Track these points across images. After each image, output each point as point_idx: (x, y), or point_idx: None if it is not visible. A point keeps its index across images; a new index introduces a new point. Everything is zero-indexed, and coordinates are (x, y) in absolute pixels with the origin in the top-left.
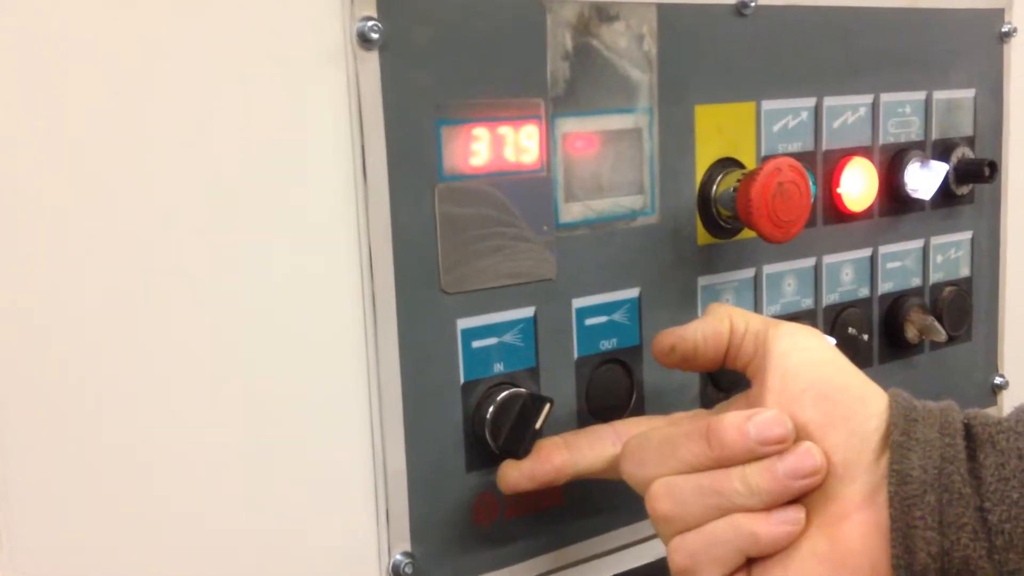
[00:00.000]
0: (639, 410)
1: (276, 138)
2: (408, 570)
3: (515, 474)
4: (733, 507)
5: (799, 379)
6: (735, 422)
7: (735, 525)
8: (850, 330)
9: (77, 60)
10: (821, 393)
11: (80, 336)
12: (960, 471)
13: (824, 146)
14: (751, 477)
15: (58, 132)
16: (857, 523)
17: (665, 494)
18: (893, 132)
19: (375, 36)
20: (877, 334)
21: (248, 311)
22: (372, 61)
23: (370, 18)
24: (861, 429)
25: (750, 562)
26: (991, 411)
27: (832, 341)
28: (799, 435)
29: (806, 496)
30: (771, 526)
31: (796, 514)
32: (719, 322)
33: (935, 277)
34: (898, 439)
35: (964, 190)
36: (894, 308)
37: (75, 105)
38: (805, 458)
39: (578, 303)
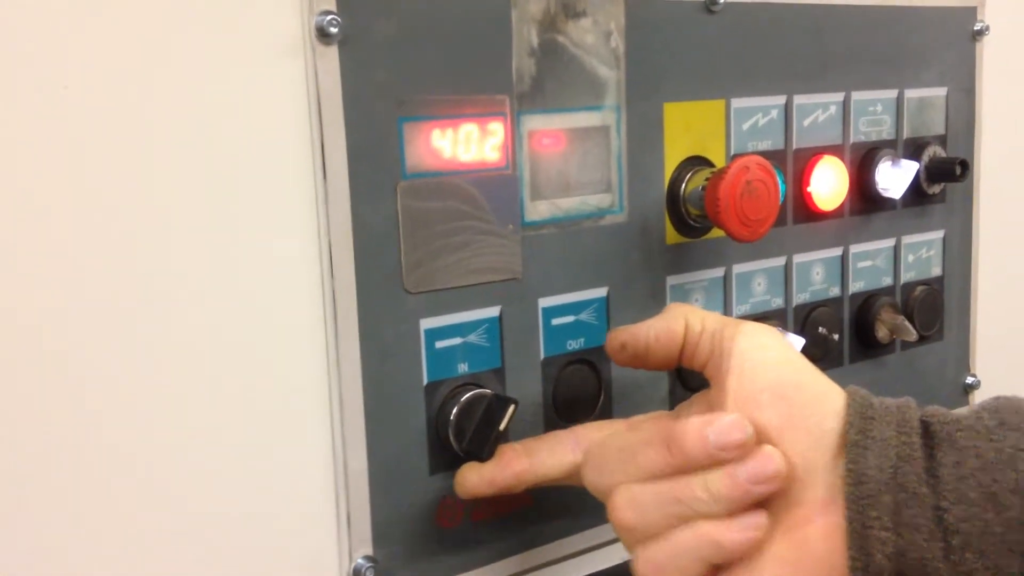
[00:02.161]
0: (607, 411)
1: (233, 135)
2: (370, 574)
3: (474, 479)
4: (695, 514)
5: (757, 379)
6: (695, 428)
7: (698, 534)
8: (820, 330)
9: (24, 54)
10: (778, 393)
11: (27, 330)
12: (916, 470)
13: (794, 144)
14: (712, 484)
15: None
16: (819, 527)
17: (627, 503)
18: (864, 131)
19: (334, 30)
20: (848, 334)
21: (206, 311)
22: (331, 56)
23: (329, 12)
24: (819, 429)
25: (717, 568)
26: (959, 411)
27: (801, 341)
28: (759, 437)
29: (769, 501)
30: (734, 533)
31: (758, 519)
32: (673, 321)
33: (906, 276)
34: (854, 438)
35: (936, 189)
36: (865, 307)
37: (21, 100)
38: (766, 463)
39: (544, 302)
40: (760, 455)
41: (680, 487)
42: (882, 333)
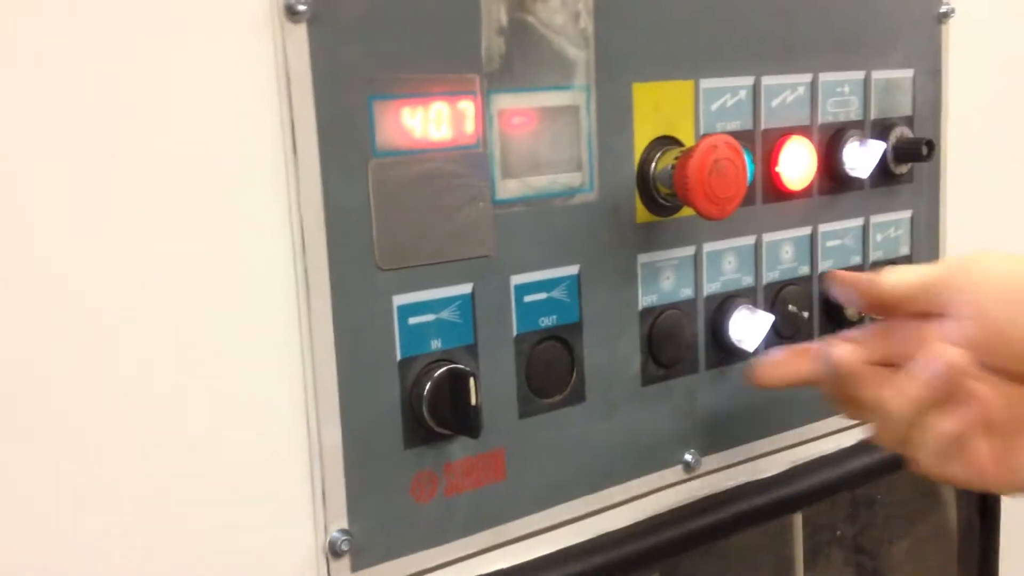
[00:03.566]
0: (579, 388)
1: (202, 114)
2: (345, 547)
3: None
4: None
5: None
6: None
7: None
8: (790, 307)
9: None
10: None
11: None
12: None
13: (763, 125)
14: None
15: None
16: None
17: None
18: (832, 111)
19: (303, 8)
20: (817, 311)
21: (177, 290)
22: (300, 34)
23: None
24: None
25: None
26: None
27: (770, 318)
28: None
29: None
30: None
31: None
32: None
33: (875, 255)
34: None
35: (903, 169)
36: None
37: None
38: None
39: (516, 280)
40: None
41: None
42: (851, 311)
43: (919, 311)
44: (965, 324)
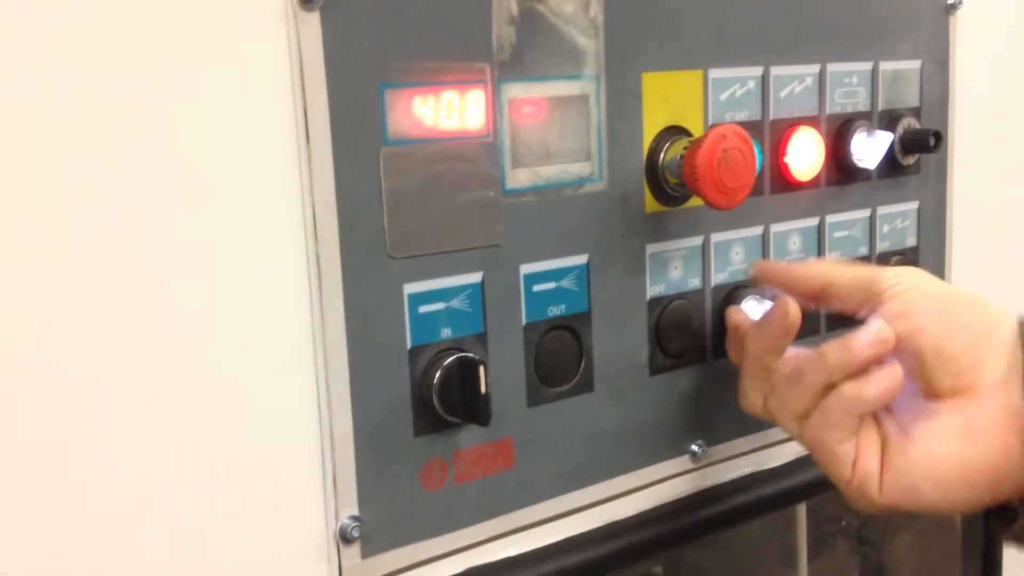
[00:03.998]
0: (588, 378)
1: (214, 102)
2: (355, 534)
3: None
4: (834, 382)
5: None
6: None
7: (841, 395)
8: None
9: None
10: (937, 306)
11: (22, 300)
12: None
13: (771, 115)
14: (829, 353)
15: None
16: (990, 406)
17: (774, 399)
18: (840, 102)
19: None
20: None
21: (189, 278)
22: (313, 22)
23: None
24: (980, 326)
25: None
26: None
27: (767, 305)
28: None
29: (937, 384)
30: (871, 385)
31: (892, 370)
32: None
33: (882, 246)
34: None
35: (910, 160)
36: None
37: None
38: (870, 330)
39: (526, 269)
40: (868, 326)
41: (808, 364)
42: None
43: (852, 304)
44: (902, 334)
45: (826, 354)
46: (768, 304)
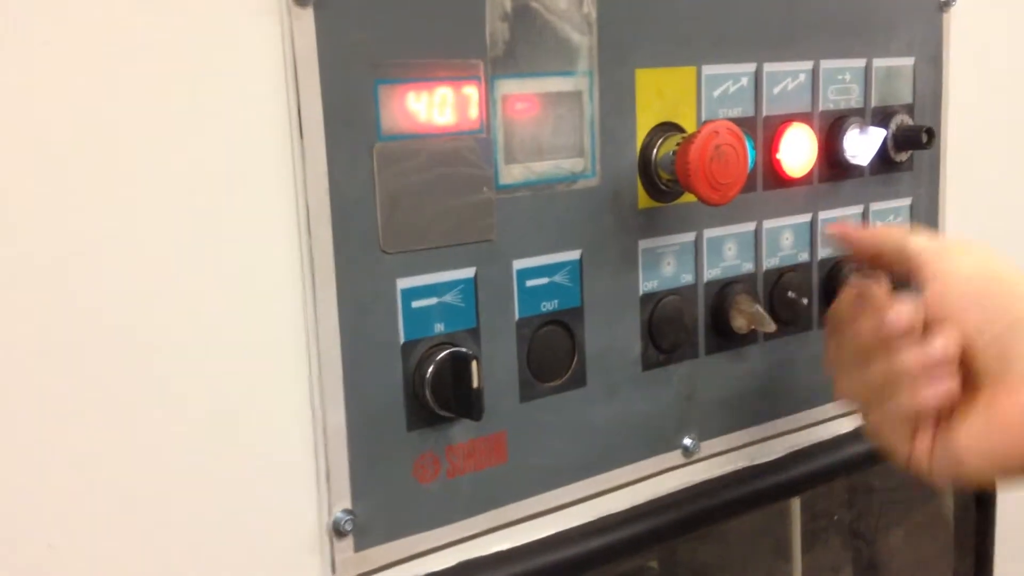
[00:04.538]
0: (580, 373)
1: (208, 97)
2: (348, 527)
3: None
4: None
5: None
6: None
7: (900, 400)
8: (790, 294)
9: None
10: (973, 297)
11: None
12: None
13: (764, 112)
14: (903, 362)
15: None
16: (1016, 400)
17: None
18: (833, 99)
19: None
20: (817, 298)
21: (183, 273)
22: (307, 18)
23: None
24: (1012, 317)
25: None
26: None
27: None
28: (952, 331)
29: (967, 377)
30: (927, 391)
31: (947, 383)
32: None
33: None
34: None
35: (903, 157)
36: (834, 273)
37: None
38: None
39: (519, 264)
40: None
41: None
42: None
43: (903, 275)
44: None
45: (899, 362)
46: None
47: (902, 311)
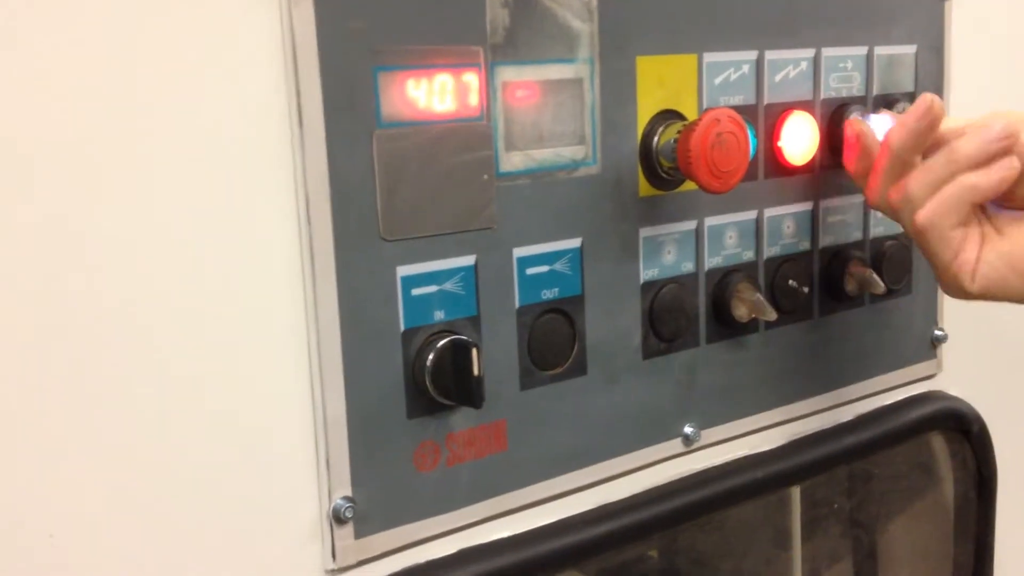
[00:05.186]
0: (581, 361)
1: (207, 84)
2: (348, 514)
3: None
4: (957, 172)
5: None
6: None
7: (958, 182)
8: (791, 283)
9: None
10: None
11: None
12: None
13: (766, 100)
14: (961, 146)
15: None
16: None
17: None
18: (834, 87)
19: None
20: (817, 287)
21: (182, 260)
22: (306, 5)
23: None
24: None
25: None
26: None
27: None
28: None
29: None
30: (989, 174)
31: (1009, 161)
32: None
33: (876, 231)
34: None
35: None
36: (835, 261)
37: None
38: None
39: (519, 252)
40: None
41: (939, 157)
42: (851, 286)
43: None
44: None
45: (957, 148)
46: (886, 115)
47: (998, 125)
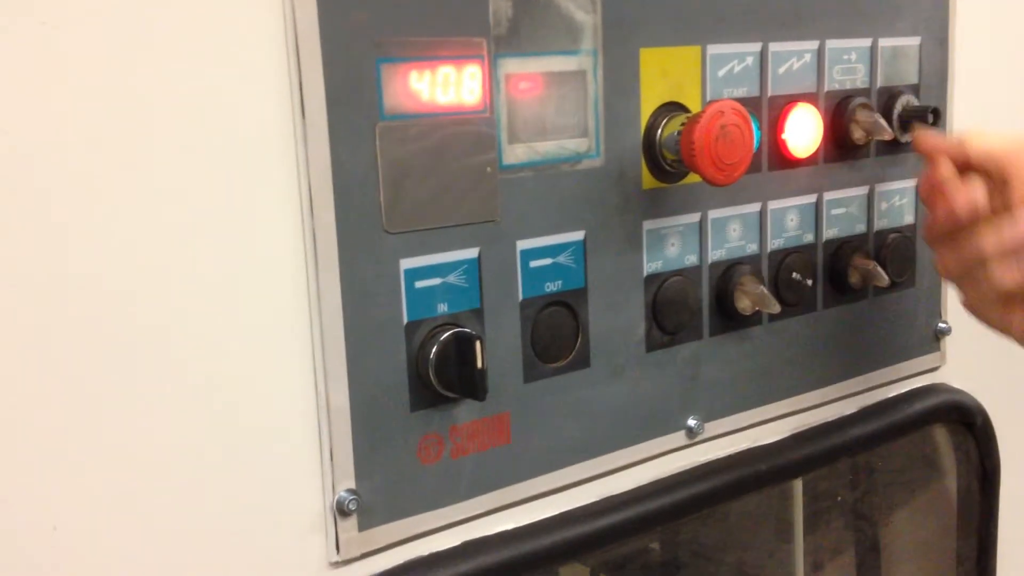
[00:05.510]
0: (584, 354)
1: (210, 77)
2: (352, 507)
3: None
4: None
5: None
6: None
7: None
8: (794, 275)
9: None
10: None
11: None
12: None
13: (769, 92)
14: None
15: None
16: None
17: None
18: (838, 79)
19: None
20: (821, 279)
21: (187, 253)
22: None
23: None
24: None
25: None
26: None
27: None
28: None
29: None
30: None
31: None
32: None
33: (880, 224)
34: None
35: (909, 137)
36: (838, 254)
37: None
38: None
39: (522, 245)
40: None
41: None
42: (855, 279)
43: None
44: None
45: (981, 241)
46: None
47: (972, 194)
